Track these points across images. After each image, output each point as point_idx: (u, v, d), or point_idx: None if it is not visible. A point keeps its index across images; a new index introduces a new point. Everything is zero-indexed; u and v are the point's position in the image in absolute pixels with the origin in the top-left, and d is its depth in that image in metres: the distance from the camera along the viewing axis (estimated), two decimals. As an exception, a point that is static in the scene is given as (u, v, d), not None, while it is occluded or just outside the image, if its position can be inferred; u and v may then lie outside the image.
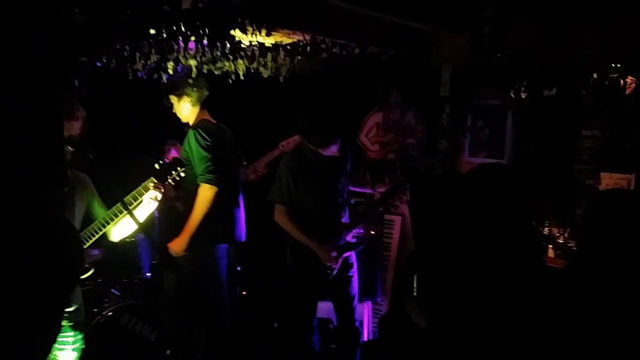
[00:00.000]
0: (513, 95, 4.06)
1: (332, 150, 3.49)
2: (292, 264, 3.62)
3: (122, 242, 4.29)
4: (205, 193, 3.63)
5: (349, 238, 3.72)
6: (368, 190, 4.02)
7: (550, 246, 4.09)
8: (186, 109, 3.79)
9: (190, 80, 3.76)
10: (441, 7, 3.67)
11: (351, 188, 3.86)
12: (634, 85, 3.55)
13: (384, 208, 5.20)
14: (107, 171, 4.18)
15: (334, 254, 3.52)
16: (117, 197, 2.94)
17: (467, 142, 4.76)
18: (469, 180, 3.68)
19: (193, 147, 3.66)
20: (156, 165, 3.26)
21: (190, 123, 3.86)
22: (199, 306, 3.85)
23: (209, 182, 3.61)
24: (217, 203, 3.69)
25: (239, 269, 4.30)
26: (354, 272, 3.77)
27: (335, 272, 3.58)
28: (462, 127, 4.55)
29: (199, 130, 3.70)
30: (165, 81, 3.76)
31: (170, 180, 3.19)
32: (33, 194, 2.02)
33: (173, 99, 3.79)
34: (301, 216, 3.56)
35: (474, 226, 3.44)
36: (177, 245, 3.65)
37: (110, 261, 4.27)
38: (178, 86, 3.76)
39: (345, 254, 3.65)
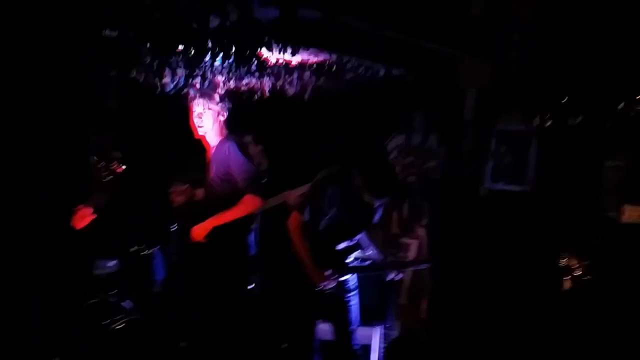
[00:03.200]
0: (538, 122, 4.04)
1: (377, 203, 3.51)
2: (286, 278, 3.61)
3: (137, 255, 4.38)
4: (253, 203, 3.63)
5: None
6: (378, 257, 3.92)
7: (567, 278, 4.03)
8: (210, 123, 3.80)
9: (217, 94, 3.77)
10: (467, 31, 3.68)
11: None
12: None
13: (401, 230, 5.19)
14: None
15: (328, 273, 3.49)
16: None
17: (490, 167, 4.73)
18: (490, 207, 3.66)
19: (234, 158, 3.66)
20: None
21: (214, 138, 3.86)
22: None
23: (257, 193, 3.62)
24: None
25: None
26: (353, 298, 3.72)
27: (327, 288, 3.53)
28: (485, 152, 4.52)
29: (242, 142, 3.72)
30: (192, 95, 3.79)
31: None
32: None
33: (202, 102, 3.77)
34: (312, 237, 3.54)
35: (494, 252, 3.40)
36: (199, 231, 3.67)
37: (124, 273, 4.32)
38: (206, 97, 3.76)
39: (342, 278, 3.61)
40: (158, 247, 4.43)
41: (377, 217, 3.68)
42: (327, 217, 3.48)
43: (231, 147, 3.66)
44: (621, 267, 3.98)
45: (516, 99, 4.09)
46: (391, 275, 3.68)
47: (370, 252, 3.83)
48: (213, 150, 3.82)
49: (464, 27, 3.68)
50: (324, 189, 3.46)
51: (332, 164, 3.57)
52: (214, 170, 3.77)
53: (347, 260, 3.64)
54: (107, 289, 4.11)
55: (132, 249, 4.36)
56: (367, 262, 4.06)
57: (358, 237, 3.67)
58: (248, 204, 3.59)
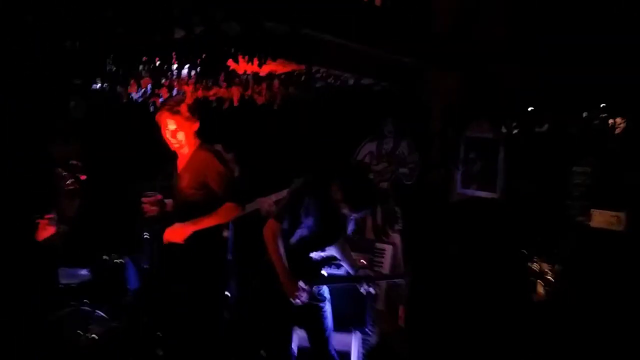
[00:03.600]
0: (504, 131, 4.08)
1: (354, 215, 3.51)
2: (260, 286, 3.60)
3: (110, 264, 4.33)
4: (233, 211, 3.61)
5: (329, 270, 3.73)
6: (350, 269, 3.88)
7: (540, 282, 4.08)
8: (183, 137, 3.72)
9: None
10: (434, 44, 3.70)
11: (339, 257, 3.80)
12: (623, 125, 3.58)
13: (375, 236, 5.21)
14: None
15: (301, 284, 3.47)
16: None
17: (459, 173, 4.77)
18: (461, 214, 3.68)
19: (211, 167, 3.62)
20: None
21: (188, 149, 3.78)
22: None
23: (238, 202, 3.60)
24: None
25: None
26: (327, 305, 3.71)
27: (299, 300, 3.52)
28: (454, 160, 4.56)
29: (217, 151, 3.68)
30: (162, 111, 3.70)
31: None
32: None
33: (174, 119, 3.69)
34: (287, 246, 3.52)
35: (465, 261, 3.41)
36: (177, 234, 3.61)
37: (97, 282, 4.27)
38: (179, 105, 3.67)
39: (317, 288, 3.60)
40: (130, 255, 4.40)
41: (351, 228, 3.68)
42: (303, 226, 3.47)
43: (207, 157, 3.63)
44: (591, 271, 4.04)
45: (482, 109, 4.13)
46: (365, 288, 3.67)
47: (344, 261, 3.83)
48: (186, 160, 3.77)
49: (431, 40, 3.70)
50: (301, 198, 3.44)
51: (307, 172, 3.56)
52: (187, 180, 3.71)
53: (321, 271, 3.65)
54: (80, 298, 4.07)
55: (103, 258, 4.32)
56: (341, 271, 4.06)
57: (332, 246, 3.67)
58: (228, 211, 3.57)
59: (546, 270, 4.13)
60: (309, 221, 3.44)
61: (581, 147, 4.04)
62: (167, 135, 3.68)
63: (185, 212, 3.68)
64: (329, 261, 3.69)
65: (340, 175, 3.42)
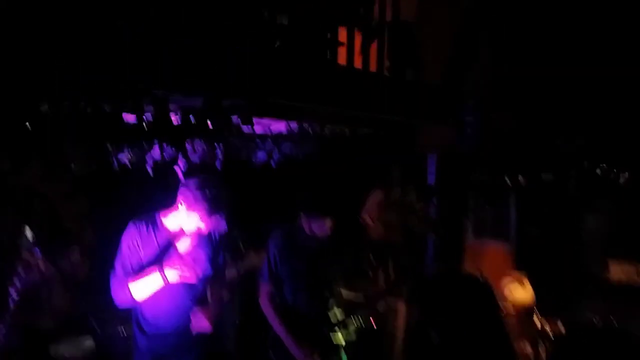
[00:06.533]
0: (508, 181, 3.92)
1: (324, 228, 3.30)
2: (272, 355, 3.46)
3: (112, 332, 4.26)
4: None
5: None
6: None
7: (541, 342, 3.78)
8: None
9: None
10: (425, 99, 3.61)
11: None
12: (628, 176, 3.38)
13: (386, 287, 5.05)
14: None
15: (311, 353, 3.34)
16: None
17: (471, 222, 4.61)
18: (455, 290, 3.51)
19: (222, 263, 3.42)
20: None
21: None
22: None
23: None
24: None
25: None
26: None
27: None
28: (463, 210, 4.40)
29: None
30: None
31: None
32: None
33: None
34: (284, 306, 3.38)
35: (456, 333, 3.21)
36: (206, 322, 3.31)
37: (100, 352, 4.20)
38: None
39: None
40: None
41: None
42: (287, 278, 3.28)
43: (222, 256, 3.29)
44: (607, 332, 3.75)
45: (484, 159, 3.98)
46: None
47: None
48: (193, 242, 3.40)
49: (421, 95, 3.60)
50: (270, 249, 3.29)
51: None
52: (203, 257, 3.37)
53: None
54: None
55: (106, 326, 4.24)
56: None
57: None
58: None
59: (549, 330, 3.80)
60: (287, 270, 3.30)
61: (592, 193, 3.83)
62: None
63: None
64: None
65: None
